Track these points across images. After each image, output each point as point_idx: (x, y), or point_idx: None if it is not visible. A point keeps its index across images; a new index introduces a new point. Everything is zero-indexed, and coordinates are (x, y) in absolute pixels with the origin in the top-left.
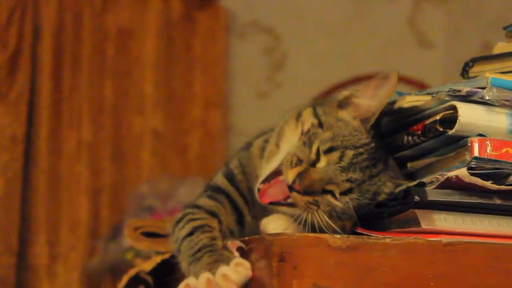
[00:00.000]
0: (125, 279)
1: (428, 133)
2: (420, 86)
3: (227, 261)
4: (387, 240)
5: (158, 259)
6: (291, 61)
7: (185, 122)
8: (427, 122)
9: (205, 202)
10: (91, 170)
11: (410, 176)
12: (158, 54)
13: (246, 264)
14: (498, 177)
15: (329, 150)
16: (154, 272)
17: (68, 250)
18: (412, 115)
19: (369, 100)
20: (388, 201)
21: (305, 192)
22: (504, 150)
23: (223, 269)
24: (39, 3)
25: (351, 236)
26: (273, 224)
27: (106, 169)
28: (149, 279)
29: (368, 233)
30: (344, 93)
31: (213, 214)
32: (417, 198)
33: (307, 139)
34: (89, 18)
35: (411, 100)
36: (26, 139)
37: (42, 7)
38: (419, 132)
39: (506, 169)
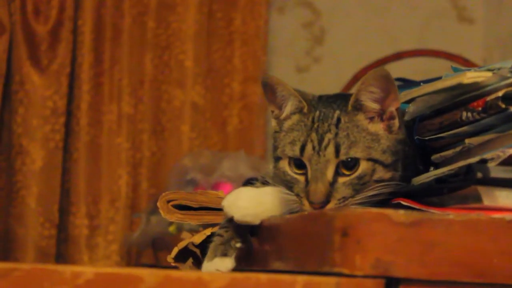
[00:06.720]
0: (175, 250)
1: (490, 109)
2: (460, 60)
3: None
4: (451, 217)
5: (208, 231)
6: (331, 36)
7: (224, 95)
8: (488, 98)
9: None
10: (131, 143)
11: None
12: (198, 28)
13: None
14: None
15: None
16: (202, 244)
17: (108, 222)
18: (472, 91)
19: None
20: (448, 177)
21: None
22: None
23: None
24: None
25: (414, 211)
26: None
27: (145, 142)
28: (198, 251)
29: (427, 209)
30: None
31: None
32: (479, 174)
33: None
34: None
35: (471, 76)
36: (67, 111)
37: None
38: (480, 109)
39: None
